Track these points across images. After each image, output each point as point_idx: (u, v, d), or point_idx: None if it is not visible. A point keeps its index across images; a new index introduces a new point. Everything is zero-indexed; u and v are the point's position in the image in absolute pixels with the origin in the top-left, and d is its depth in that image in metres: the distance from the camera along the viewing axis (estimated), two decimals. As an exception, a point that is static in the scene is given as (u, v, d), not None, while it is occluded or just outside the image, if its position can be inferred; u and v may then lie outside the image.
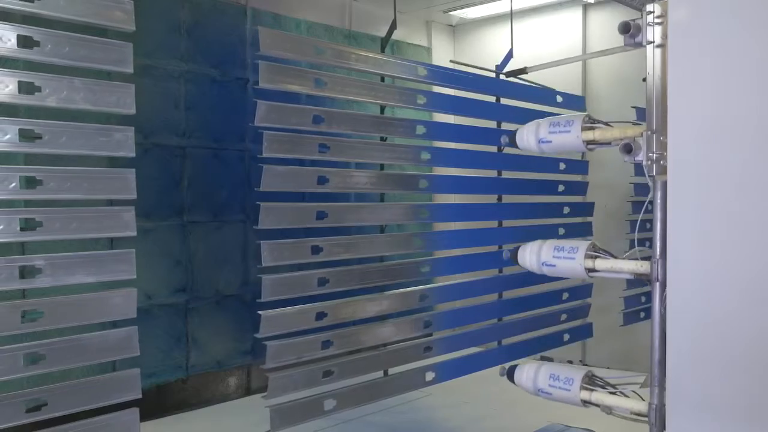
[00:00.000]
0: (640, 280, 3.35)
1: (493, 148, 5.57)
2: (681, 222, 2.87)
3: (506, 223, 5.67)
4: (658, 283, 3.08)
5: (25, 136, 2.51)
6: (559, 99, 5.96)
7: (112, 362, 3.85)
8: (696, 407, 2.82)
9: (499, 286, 5.64)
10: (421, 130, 4.81)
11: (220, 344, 6.14)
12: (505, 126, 5.58)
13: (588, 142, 3.44)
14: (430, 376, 4.85)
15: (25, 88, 2.52)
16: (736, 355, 2.72)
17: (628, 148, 3.10)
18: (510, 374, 3.95)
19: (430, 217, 5.00)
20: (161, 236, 5.69)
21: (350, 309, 4.41)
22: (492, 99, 5.61)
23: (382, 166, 4.84)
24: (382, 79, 4.79)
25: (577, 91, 7.21)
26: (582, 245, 3.48)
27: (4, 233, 2.56)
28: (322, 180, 4.17)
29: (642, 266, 3.21)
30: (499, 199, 5.63)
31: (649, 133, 3.08)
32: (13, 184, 2.54)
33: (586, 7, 7.49)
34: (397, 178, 4.88)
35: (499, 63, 5.85)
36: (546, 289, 5.83)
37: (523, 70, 5.74)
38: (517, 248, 3.83)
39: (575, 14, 7.55)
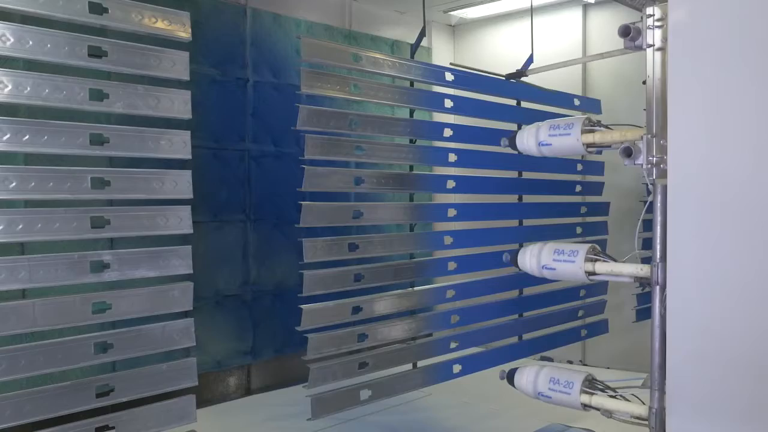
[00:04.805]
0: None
1: (513, 150, 6.10)
2: (681, 226, 2.98)
3: (526, 222, 6.24)
4: (658, 287, 3.23)
5: (95, 140, 2.96)
6: (576, 102, 6.54)
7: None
8: (696, 408, 2.97)
9: (520, 283, 6.18)
10: (448, 132, 5.40)
11: (220, 344, 6.47)
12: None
13: (588, 145, 3.56)
14: (457, 368, 5.42)
15: (95, 95, 2.97)
16: (735, 357, 2.84)
17: (628, 152, 3.22)
18: (510, 378, 4.08)
19: (456, 216, 5.52)
20: (161, 236, 6.05)
21: (383, 304, 5.00)
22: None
23: (411, 167, 5.38)
24: (412, 84, 5.31)
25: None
26: (582, 248, 3.60)
27: (77, 230, 3.03)
28: (358, 181, 4.74)
29: (642, 270, 3.34)
30: (520, 198, 6.20)
31: (649, 136, 3.22)
32: (85, 185, 2.99)
33: (586, 7, 7.89)
34: (424, 179, 5.50)
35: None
36: (564, 286, 6.44)
37: (523, 73, 6.20)
38: (516, 251, 3.97)
39: (575, 14, 7.95)
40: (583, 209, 6.68)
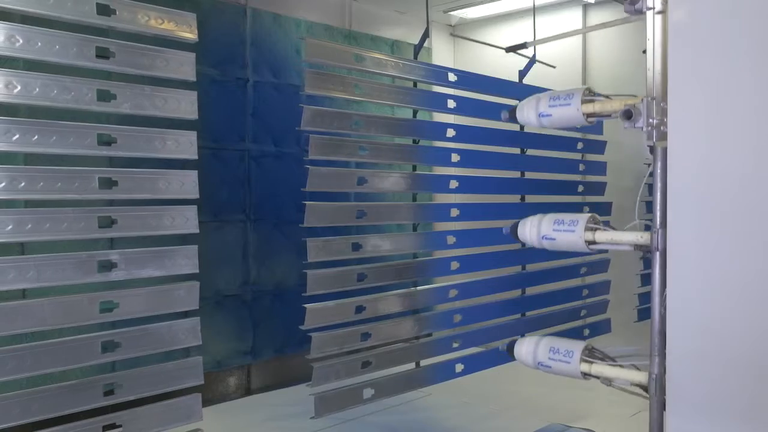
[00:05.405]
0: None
1: (516, 150, 6.25)
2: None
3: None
4: (658, 253, 3.18)
5: (102, 140, 3.01)
6: None
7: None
8: (695, 408, 2.95)
9: (522, 282, 6.27)
10: (451, 133, 5.48)
11: (220, 344, 6.51)
12: (528, 130, 6.22)
13: (588, 115, 3.54)
14: (459, 367, 5.50)
15: (103, 96, 3.01)
16: (735, 356, 2.82)
17: (628, 114, 3.20)
18: (510, 349, 4.07)
19: (459, 216, 5.60)
20: (161, 236, 6.07)
21: (386, 303, 5.08)
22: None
23: (414, 167, 5.46)
24: (415, 85, 5.37)
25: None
26: (582, 218, 3.58)
27: (85, 230, 3.08)
28: (361, 181, 4.80)
29: (642, 237, 3.30)
30: (522, 199, 6.27)
31: (649, 99, 3.19)
32: (93, 185, 3.05)
33: (586, 7, 7.92)
34: (427, 179, 5.61)
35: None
36: (566, 286, 6.53)
37: (523, 45, 6.23)
38: (516, 223, 3.97)
39: (575, 14, 7.98)
40: (585, 209, 6.73)
